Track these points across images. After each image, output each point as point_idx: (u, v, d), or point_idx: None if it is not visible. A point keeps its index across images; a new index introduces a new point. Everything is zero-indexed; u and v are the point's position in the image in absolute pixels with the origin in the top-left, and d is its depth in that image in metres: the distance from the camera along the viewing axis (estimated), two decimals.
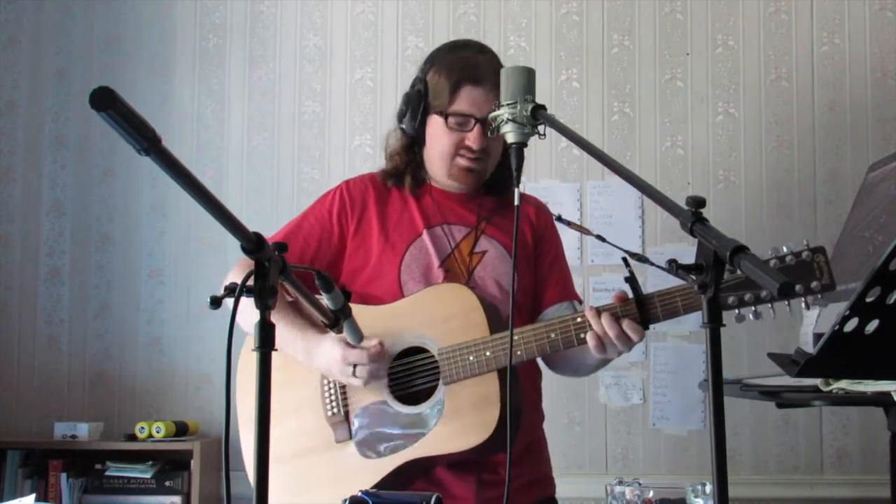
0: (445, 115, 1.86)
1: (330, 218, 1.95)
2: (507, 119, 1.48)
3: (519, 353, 1.72)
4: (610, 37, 3.30)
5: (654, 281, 2.73)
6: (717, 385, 1.10)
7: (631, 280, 1.64)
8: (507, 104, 1.49)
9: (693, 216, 1.12)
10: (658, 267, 1.30)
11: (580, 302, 2.02)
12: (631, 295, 1.66)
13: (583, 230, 1.66)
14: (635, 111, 3.27)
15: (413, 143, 1.94)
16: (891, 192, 2.35)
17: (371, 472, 1.77)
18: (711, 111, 3.25)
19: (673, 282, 1.47)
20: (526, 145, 1.51)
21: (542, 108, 1.47)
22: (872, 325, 1.26)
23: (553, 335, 1.71)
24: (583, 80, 3.29)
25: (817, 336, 2.30)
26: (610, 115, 3.28)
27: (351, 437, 1.82)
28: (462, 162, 1.88)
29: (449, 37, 3.29)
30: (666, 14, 3.29)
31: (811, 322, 2.39)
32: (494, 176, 1.94)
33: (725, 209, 3.19)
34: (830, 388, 1.89)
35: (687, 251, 2.91)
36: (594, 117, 3.28)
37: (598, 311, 1.67)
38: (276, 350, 1.14)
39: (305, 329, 1.84)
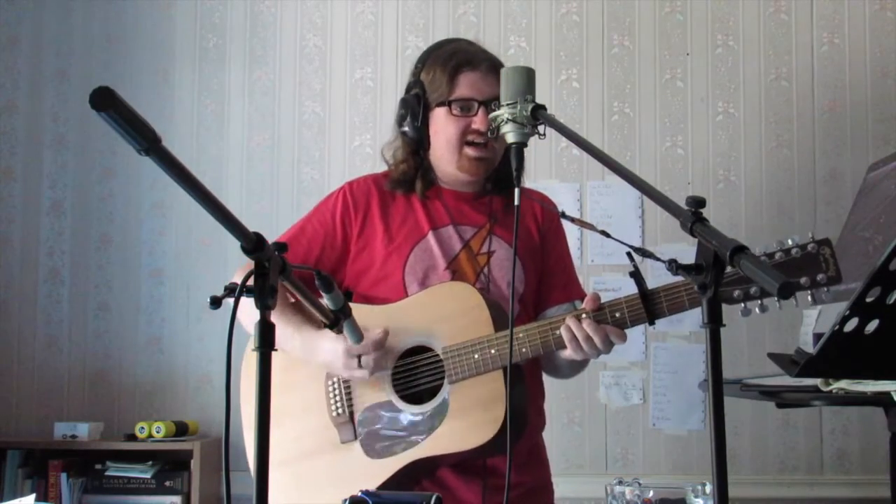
0: (448, 104, 1.85)
1: (333, 220, 1.93)
2: (507, 119, 1.48)
3: (524, 350, 1.72)
4: (610, 37, 3.30)
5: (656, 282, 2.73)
6: (717, 385, 1.10)
7: (636, 275, 1.64)
8: (507, 104, 1.49)
9: (693, 216, 1.12)
10: (661, 261, 1.29)
11: (582, 299, 2.01)
12: (636, 290, 1.66)
13: (587, 226, 1.65)
14: (635, 111, 3.27)
15: (418, 147, 1.93)
16: (891, 192, 2.36)
17: (376, 472, 1.77)
18: (711, 111, 3.25)
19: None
20: (526, 145, 1.51)
21: (542, 108, 1.47)
22: (872, 325, 1.26)
23: (557, 332, 1.71)
24: (583, 80, 3.29)
25: (817, 336, 2.30)
26: (610, 115, 3.28)
27: (356, 437, 1.81)
28: (471, 152, 1.87)
29: (449, 37, 3.29)
30: (666, 14, 3.29)
31: (811, 322, 2.40)
32: (500, 174, 1.93)
33: (725, 209, 3.19)
34: (830, 388, 1.89)
35: (687, 251, 2.91)
36: (594, 117, 3.28)
37: (578, 317, 1.69)
38: (275, 350, 1.14)
39: (301, 326, 1.83)
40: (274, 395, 1.85)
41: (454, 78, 1.85)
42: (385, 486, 1.75)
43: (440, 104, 1.87)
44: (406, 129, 1.91)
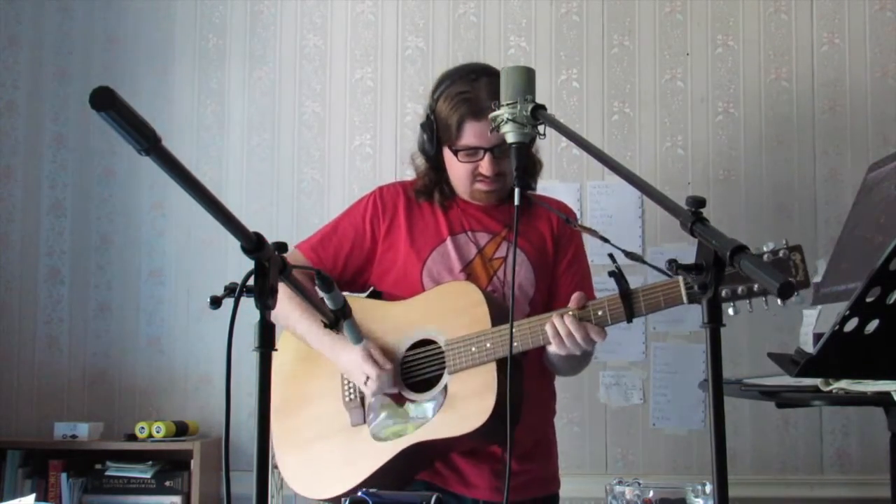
0: (455, 151, 1.95)
1: (363, 223, 2.06)
2: (507, 119, 1.49)
3: (517, 344, 1.81)
4: (610, 37, 3.30)
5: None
6: (717, 385, 1.10)
7: (616, 275, 1.74)
8: (507, 104, 1.49)
9: (693, 216, 1.12)
10: (653, 267, 1.32)
11: None
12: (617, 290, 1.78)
13: (591, 232, 1.71)
14: (635, 111, 3.27)
15: (436, 166, 2.04)
16: (891, 192, 2.35)
17: (379, 454, 1.88)
18: (711, 111, 3.25)
19: None
20: (527, 145, 1.52)
21: (542, 107, 1.48)
22: (872, 325, 1.25)
23: (545, 328, 1.81)
24: (583, 80, 3.29)
25: (817, 336, 2.30)
26: (610, 115, 3.28)
27: (365, 420, 1.93)
28: (481, 186, 1.99)
29: (449, 37, 3.31)
30: (666, 14, 3.29)
31: (811, 322, 2.40)
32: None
33: (725, 209, 3.19)
34: (830, 388, 1.90)
35: (687, 251, 2.91)
36: (594, 117, 3.28)
37: (562, 314, 1.79)
38: (276, 349, 1.15)
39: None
40: (298, 383, 2.01)
41: (460, 126, 1.92)
42: (387, 466, 1.87)
43: (448, 147, 1.97)
44: (426, 152, 2.03)
